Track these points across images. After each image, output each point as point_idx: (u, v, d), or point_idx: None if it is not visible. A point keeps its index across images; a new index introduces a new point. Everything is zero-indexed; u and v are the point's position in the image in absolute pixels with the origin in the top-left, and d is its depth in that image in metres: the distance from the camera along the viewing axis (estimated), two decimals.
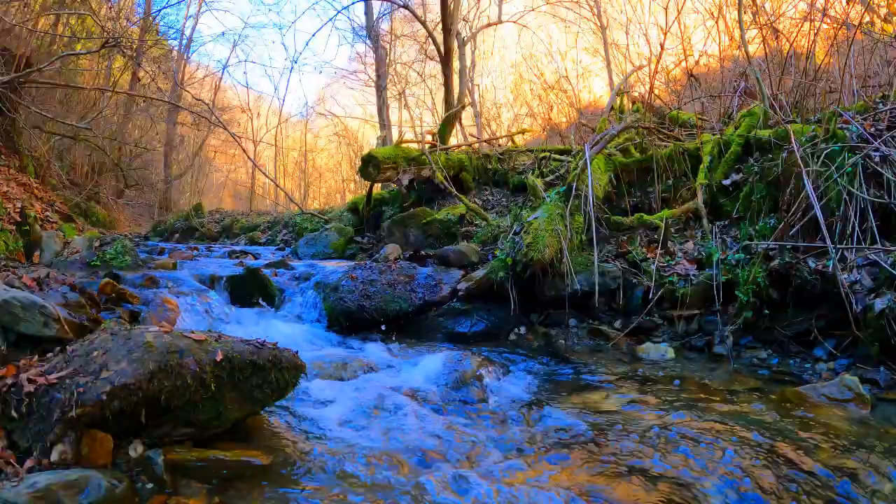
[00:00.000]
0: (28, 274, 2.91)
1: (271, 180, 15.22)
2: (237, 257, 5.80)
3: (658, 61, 5.43)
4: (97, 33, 8.20)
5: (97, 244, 4.17)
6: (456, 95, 9.75)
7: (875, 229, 2.73)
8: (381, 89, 14.71)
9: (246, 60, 37.89)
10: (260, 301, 3.72)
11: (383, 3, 14.02)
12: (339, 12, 16.15)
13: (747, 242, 3.19)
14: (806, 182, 2.88)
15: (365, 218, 7.35)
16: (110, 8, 10.32)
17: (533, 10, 14.85)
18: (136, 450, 1.55)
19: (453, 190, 6.17)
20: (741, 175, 3.92)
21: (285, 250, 7.04)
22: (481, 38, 16.42)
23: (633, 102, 6.50)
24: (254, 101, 20.92)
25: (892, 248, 2.57)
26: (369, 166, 6.58)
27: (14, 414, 1.49)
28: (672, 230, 3.82)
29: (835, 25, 4.70)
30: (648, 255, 3.62)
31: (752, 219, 3.49)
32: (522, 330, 3.47)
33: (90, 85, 9.10)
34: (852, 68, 3.95)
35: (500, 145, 8.43)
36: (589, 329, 3.36)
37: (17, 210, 4.85)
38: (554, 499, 1.49)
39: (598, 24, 13.29)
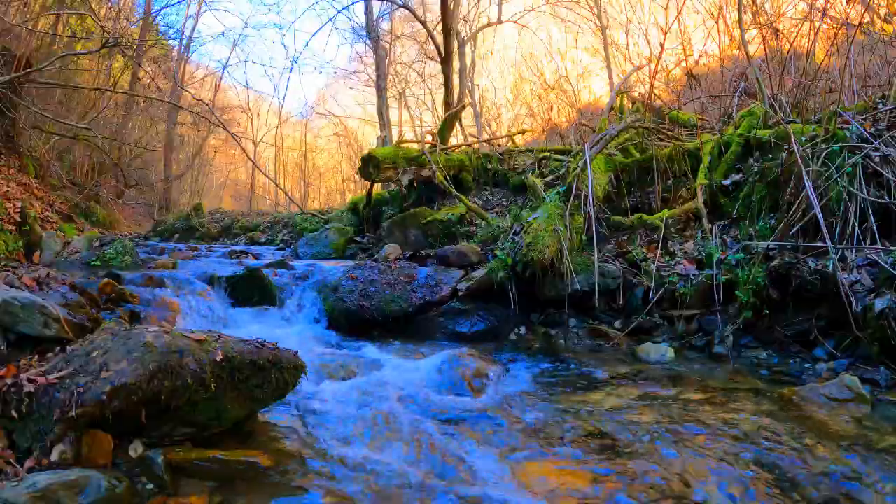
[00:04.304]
0: (28, 274, 2.90)
1: (271, 180, 15.23)
2: (237, 257, 5.79)
3: (658, 61, 5.43)
4: (97, 33, 8.20)
5: (97, 244, 4.18)
6: (456, 95, 9.74)
7: (875, 229, 2.73)
8: (381, 89, 14.69)
9: (246, 60, 37.84)
10: (260, 301, 3.72)
11: (383, 3, 14.02)
12: (339, 12, 16.10)
13: (747, 242, 3.19)
14: (806, 182, 2.88)
15: (365, 218, 7.35)
16: (110, 8, 10.32)
17: (533, 10, 14.86)
18: (136, 450, 1.55)
19: (453, 190, 6.17)
20: (741, 175, 3.92)
21: (285, 250, 7.04)
22: (481, 38, 16.42)
23: (633, 102, 6.50)
24: (254, 101, 20.97)
25: (892, 248, 2.57)
26: (369, 166, 6.57)
27: (14, 414, 1.49)
28: (672, 230, 3.82)
29: (835, 25, 4.70)
30: (648, 255, 3.62)
31: (752, 219, 3.49)
32: (522, 330, 3.47)
33: (90, 85, 9.12)
34: (852, 68, 3.95)
35: (500, 145, 8.43)
36: (589, 329, 3.36)
37: (17, 210, 4.85)
38: (553, 496, 1.49)
39: (598, 24, 13.30)
